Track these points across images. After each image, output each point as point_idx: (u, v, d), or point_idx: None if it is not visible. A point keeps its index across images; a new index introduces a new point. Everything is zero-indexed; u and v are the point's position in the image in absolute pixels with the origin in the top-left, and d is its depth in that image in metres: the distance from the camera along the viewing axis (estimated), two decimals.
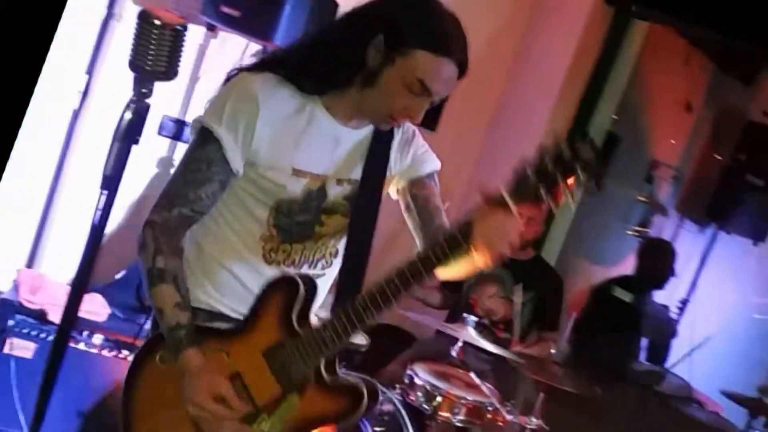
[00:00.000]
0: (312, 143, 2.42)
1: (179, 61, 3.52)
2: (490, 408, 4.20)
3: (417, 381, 4.24)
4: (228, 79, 2.45)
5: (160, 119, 4.40)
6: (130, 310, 4.38)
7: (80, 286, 3.59)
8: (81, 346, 4.10)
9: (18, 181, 4.27)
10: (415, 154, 2.62)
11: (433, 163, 2.64)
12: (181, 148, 4.57)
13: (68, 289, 3.73)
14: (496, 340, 4.57)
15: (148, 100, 3.47)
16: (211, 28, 4.45)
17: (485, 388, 4.27)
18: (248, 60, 2.56)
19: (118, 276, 4.47)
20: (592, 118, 6.11)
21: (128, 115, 3.41)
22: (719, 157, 7.53)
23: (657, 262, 6.49)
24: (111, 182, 3.44)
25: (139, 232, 2.37)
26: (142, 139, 3.52)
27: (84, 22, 4.28)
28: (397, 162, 2.58)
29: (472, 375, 4.33)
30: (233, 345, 2.37)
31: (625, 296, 6.39)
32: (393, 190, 2.64)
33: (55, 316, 3.96)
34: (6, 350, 3.99)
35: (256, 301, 2.40)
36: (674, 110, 7.67)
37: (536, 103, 5.94)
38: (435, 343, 5.18)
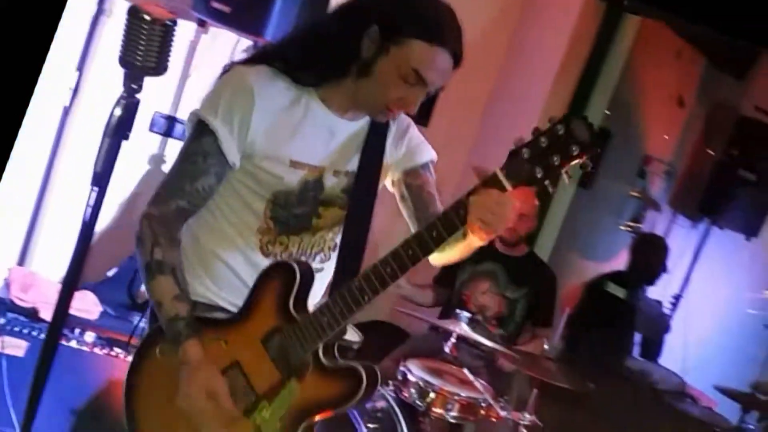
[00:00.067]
0: (308, 135, 2.42)
1: (169, 56, 3.51)
2: (483, 404, 4.19)
3: (410, 377, 4.23)
4: (223, 73, 2.45)
5: (152, 116, 4.40)
6: (122, 307, 4.38)
7: (71, 283, 3.58)
8: (73, 344, 4.08)
9: (8, 179, 4.25)
10: (410, 145, 2.61)
11: (428, 154, 2.64)
12: (173, 145, 4.56)
13: (60, 286, 3.71)
14: (488, 336, 4.56)
15: (138, 96, 3.46)
16: (201, 24, 4.44)
17: (478, 384, 4.26)
18: (240, 55, 2.55)
19: (110, 274, 4.47)
20: (585, 113, 6.08)
21: (118, 111, 3.40)
22: (712, 152, 7.54)
23: (650, 257, 6.49)
24: (101, 178, 3.43)
25: (135, 226, 2.37)
26: (134, 135, 3.51)
27: (74, 18, 4.25)
28: (391, 153, 2.58)
29: (466, 371, 4.32)
30: (231, 333, 2.38)
31: (618, 292, 6.39)
32: (388, 182, 2.64)
33: (47, 314, 3.94)
34: None
35: (252, 288, 2.40)
36: (666, 105, 7.67)
37: (528, 97, 5.93)
38: (428, 339, 5.17)
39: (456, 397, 4.16)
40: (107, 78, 3.83)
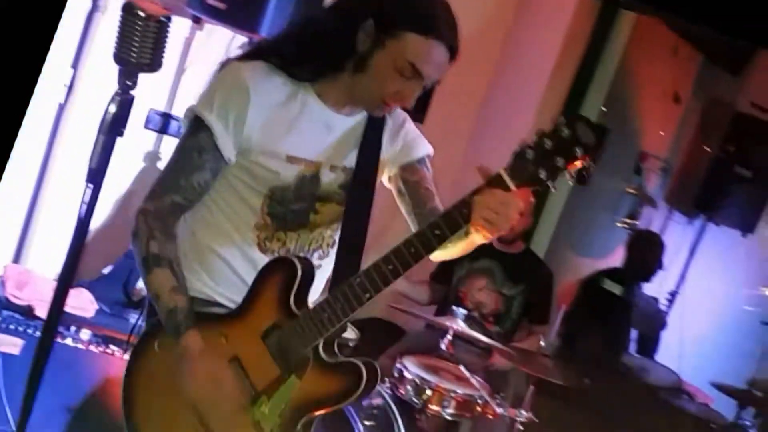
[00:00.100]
0: (304, 130, 2.42)
1: (164, 52, 3.50)
2: (480, 401, 4.19)
3: (406, 374, 4.23)
4: (219, 69, 2.46)
5: (147, 113, 4.39)
6: (118, 305, 4.38)
7: (66, 281, 3.56)
8: (69, 341, 4.07)
9: (3, 176, 4.24)
10: (406, 139, 2.61)
11: (424, 148, 2.64)
12: (168, 142, 4.56)
13: (55, 284, 3.70)
14: (485, 333, 4.56)
15: (132, 93, 3.45)
16: (196, 21, 4.44)
17: (475, 381, 4.26)
18: (235, 51, 2.56)
19: (106, 271, 4.46)
20: (581, 110, 6.09)
21: (113, 108, 3.38)
22: (708, 149, 7.53)
23: (646, 254, 6.48)
24: (96, 175, 3.41)
25: (131, 222, 2.37)
26: (129, 133, 3.49)
27: (69, 15, 4.24)
28: (387, 148, 2.57)
29: (462, 368, 4.32)
30: (231, 329, 2.38)
31: (615, 288, 6.39)
32: (385, 177, 2.63)
33: (42, 311, 3.94)
34: None
35: (253, 283, 2.40)
36: (662, 101, 7.66)
37: (525, 93, 5.93)
38: (424, 336, 5.17)
39: (452, 394, 4.16)
40: (102, 75, 3.82)
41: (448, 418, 4.22)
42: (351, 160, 2.51)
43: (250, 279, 2.44)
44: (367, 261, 2.36)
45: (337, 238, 2.56)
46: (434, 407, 4.16)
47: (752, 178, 7.09)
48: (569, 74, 6.01)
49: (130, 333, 4.10)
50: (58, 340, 3.97)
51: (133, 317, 4.27)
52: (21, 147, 4.21)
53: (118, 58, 3.42)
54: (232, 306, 2.46)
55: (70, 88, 4.32)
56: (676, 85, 7.72)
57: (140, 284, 4.46)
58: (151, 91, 4.27)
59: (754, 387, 5.59)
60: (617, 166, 7.18)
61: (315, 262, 2.51)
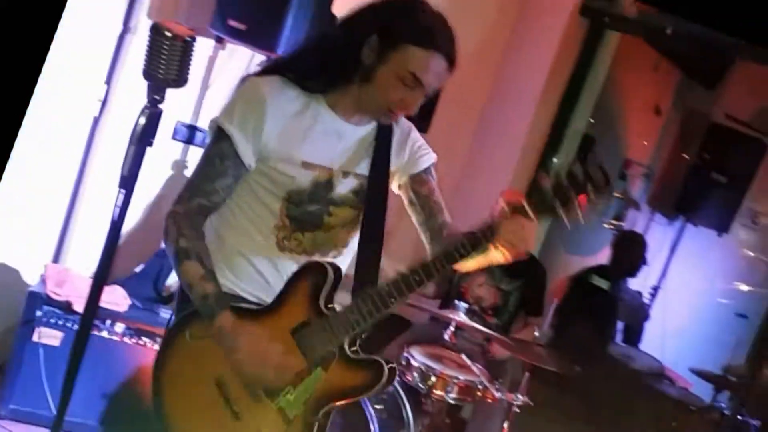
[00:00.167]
0: (318, 138, 2.43)
1: (189, 69, 3.49)
2: (480, 386, 4.17)
3: (413, 362, 4.22)
4: (240, 84, 2.47)
5: (174, 125, 4.38)
6: (149, 301, 4.36)
7: (102, 278, 3.55)
8: (104, 334, 4.07)
9: (44, 184, 4.23)
10: (412, 149, 2.62)
11: (429, 157, 2.65)
12: (194, 152, 4.54)
13: (91, 281, 3.68)
14: (485, 325, 4.53)
15: (160, 106, 3.44)
16: (219, 41, 4.42)
17: (475, 368, 4.24)
18: (254, 69, 2.55)
19: (138, 270, 4.44)
20: (571, 121, 6.07)
21: (142, 120, 3.38)
22: (686, 156, 7.55)
23: (630, 252, 6.47)
24: (128, 182, 3.41)
25: (162, 224, 2.37)
26: (158, 143, 3.49)
27: (102, 36, 4.25)
28: (396, 157, 2.58)
29: (464, 356, 4.30)
30: (260, 323, 2.35)
31: (602, 283, 6.38)
32: (394, 185, 2.64)
33: (80, 306, 3.91)
34: (35, 339, 3.97)
35: (286, 284, 2.40)
36: (645, 113, 7.67)
37: (520, 105, 5.90)
38: (429, 327, 5.15)
39: (455, 381, 4.14)
40: (133, 90, 3.80)
41: (451, 402, 4.21)
42: (362, 168, 2.51)
43: (269, 276, 2.46)
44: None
45: (350, 238, 2.56)
46: (438, 392, 4.14)
47: (727, 183, 7.11)
48: (560, 88, 5.99)
49: (166, 328, 4.09)
50: (95, 332, 3.96)
51: (163, 312, 4.24)
52: (59, 157, 4.23)
53: (147, 74, 3.42)
54: (253, 299, 2.46)
55: (104, 102, 4.30)
56: (657, 98, 7.72)
57: (169, 281, 4.45)
58: (178, 105, 4.28)
59: (729, 373, 5.57)
60: None
61: (329, 260, 2.51)
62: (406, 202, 2.63)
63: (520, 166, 5.92)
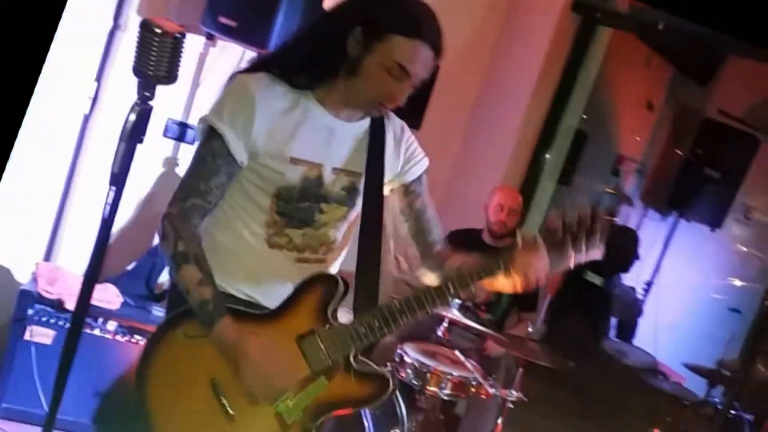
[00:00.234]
0: (307, 134, 2.40)
1: (179, 66, 3.48)
2: (473, 382, 4.16)
3: (407, 359, 4.21)
4: (228, 81, 2.44)
5: (165, 122, 4.37)
6: (141, 298, 4.35)
7: (93, 276, 3.53)
8: (96, 332, 4.06)
9: (35, 182, 4.22)
10: (407, 153, 2.61)
11: (422, 164, 2.63)
12: (185, 149, 4.53)
13: (83, 279, 3.67)
14: (478, 321, 4.52)
15: (151, 103, 3.42)
16: (210, 38, 4.41)
17: (469, 364, 4.25)
18: (244, 65, 2.53)
19: (129, 267, 4.44)
20: (563, 117, 6.07)
21: (132, 117, 3.36)
22: (679, 152, 7.55)
23: (623, 248, 6.45)
24: (118, 179, 3.39)
25: (157, 225, 2.33)
26: (149, 140, 3.48)
27: (92, 33, 4.23)
28: (391, 162, 2.56)
29: (457, 353, 4.30)
30: (263, 329, 2.33)
31: (595, 279, 6.38)
32: (387, 188, 2.60)
33: (72, 305, 3.91)
34: (27, 337, 3.96)
35: (294, 292, 2.38)
36: (637, 109, 7.66)
37: (511, 102, 5.89)
38: (422, 324, 5.12)
39: (449, 377, 4.13)
40: (123, 87, 3.79)
41: (445, 398, 4.21)
42: (353, 165, 2.49)
43: (260, 273, 2.44)
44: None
45: (339, 235, 2.54)
46: (432, 388, 4.13)
47: (720, 179, 7.10)
48: (552, 84, 5.97)
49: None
50: (87, 330, 3.96)
51: (156, 309, 4.23)
52: (50, 155, 4.21)
53: (137, 71, 3.41)
54: (244, 298, 2.44)
55: (95, 100, 4.29)
56: (650, 94, 7.72)
57: (161, 279, 4.43)
58: (169, 102, 4.26)
59: (722, 367, 5.58)
60: (597, 168, 7.17)
61: (320, 256, 2.50)
62: (397, 209, 2.62)
63: (513, 162, 5.91)
